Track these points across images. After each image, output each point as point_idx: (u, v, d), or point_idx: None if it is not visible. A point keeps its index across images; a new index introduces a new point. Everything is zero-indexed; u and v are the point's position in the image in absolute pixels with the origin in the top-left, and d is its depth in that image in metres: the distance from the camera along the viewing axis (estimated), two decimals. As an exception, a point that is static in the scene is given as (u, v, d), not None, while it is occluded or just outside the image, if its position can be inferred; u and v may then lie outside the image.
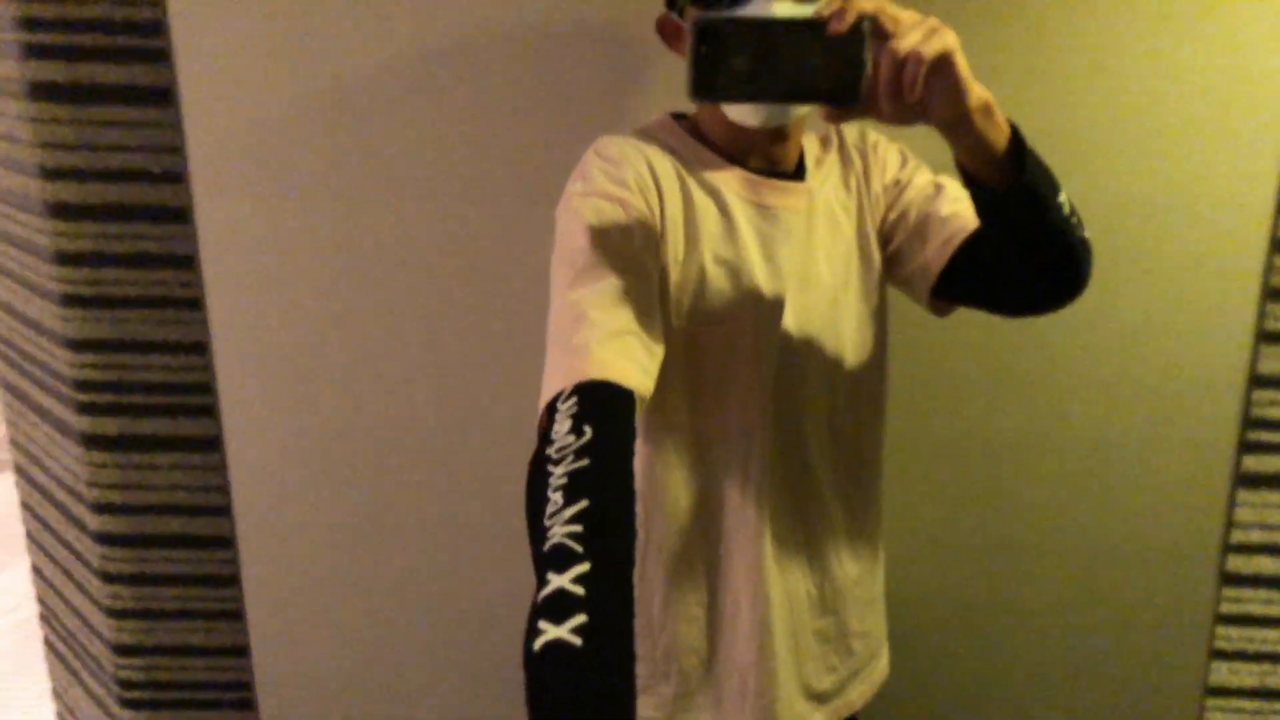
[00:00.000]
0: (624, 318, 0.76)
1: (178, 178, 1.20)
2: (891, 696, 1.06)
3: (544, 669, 0.54)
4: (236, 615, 1.39)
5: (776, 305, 0.88)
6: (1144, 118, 1.14)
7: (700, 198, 0.86)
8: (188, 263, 1.24)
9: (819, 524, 0.95)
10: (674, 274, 0.84)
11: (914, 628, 1.30)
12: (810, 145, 0.94)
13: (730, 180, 0.87)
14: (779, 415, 0.90)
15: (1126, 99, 1.14)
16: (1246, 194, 1.16)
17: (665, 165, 0.85)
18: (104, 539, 1.36)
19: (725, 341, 0.88)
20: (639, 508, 0.92)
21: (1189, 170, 1.16)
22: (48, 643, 1.63)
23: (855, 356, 0.94)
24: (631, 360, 0.74)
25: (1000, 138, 0.72)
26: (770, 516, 0.91)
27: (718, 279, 0.85)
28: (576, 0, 1.12)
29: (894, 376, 1.00)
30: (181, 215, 1.22)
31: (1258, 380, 1.21)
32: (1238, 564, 1.28)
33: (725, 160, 0.88)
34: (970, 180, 0.76)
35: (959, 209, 0.89)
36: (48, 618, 1.60)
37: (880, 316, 0.96)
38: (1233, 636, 1.30)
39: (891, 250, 0.94)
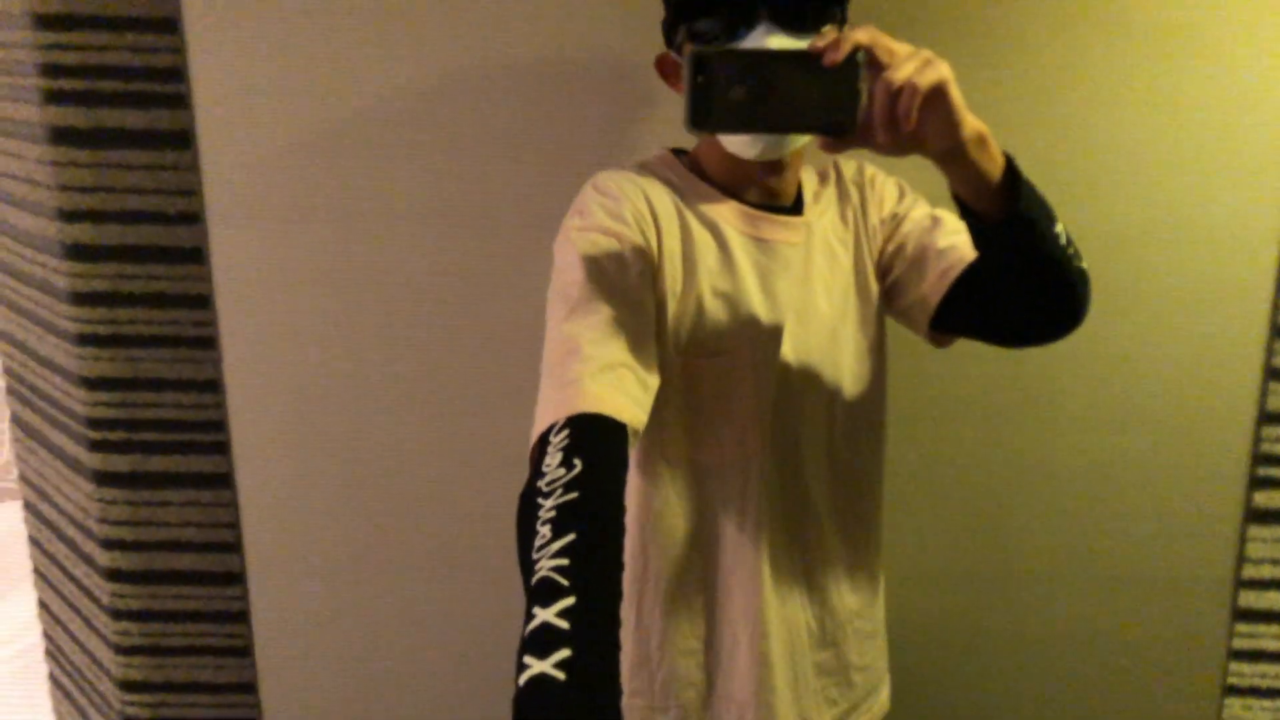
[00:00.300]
0: (617, 350, 0.76)
1: (194, 219, 1.22)
2: (897, 733, 1.06)
3: (528, 704, 0.54)
4: (245, 651, 1.38)
5: (774, 336, 0.88)
6: (1145, 149, 1.16)
7: (698, 231, 0.87)
8: (202, 302, 1.25)
9: (818, 556, 0.95)
10: (672, 306, 0.85)
11: (916, 660, 1.29)
12: (808, 179, 0.95)
13: (728, 214, 0.88)
14: (777, 446, 0.91)
15: (1127, 131, 1.15)
16: (1251, 231, 1.17)
17: (664, 199, 0.86)
18: (114, 575, 1.36)
19: (723, 372, 0.88)
20: (636, 540, 0.93)
21: (1193, 203, 1.17)
22: (53, 678, 1.62)
23: (854, 387, 0.94)
24: (624, 393, 0.75)
25: (995, 168, 0.73)
26: (769, 548, 0.91)
27: (716, 311, 0.86)
28: (580, 37, 1.15)
29: (896, 406, 1.00)
30: (197, 256, 1.23)
31: (1267, 416, 1.21)
32: (1250, 599, 1.27)
33: (723, 194, 0.89)
34: (966, 211, 0.77)
35: (956, 241, 0.90)
36: (53, 653, 1.60)
37: (879, 348, 0.97)
38: (1245, 672, 1.30)
39: (890, 282, 0.95)
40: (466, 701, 1.38)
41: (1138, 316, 1.21)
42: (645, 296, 0.81)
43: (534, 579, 0.60)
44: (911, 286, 0.93)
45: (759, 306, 0.87)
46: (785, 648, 0.94)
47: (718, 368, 0.88)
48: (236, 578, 1.36)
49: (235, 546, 1.34)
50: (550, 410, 0.73)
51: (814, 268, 0.91)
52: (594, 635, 0.58)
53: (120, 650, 1.38)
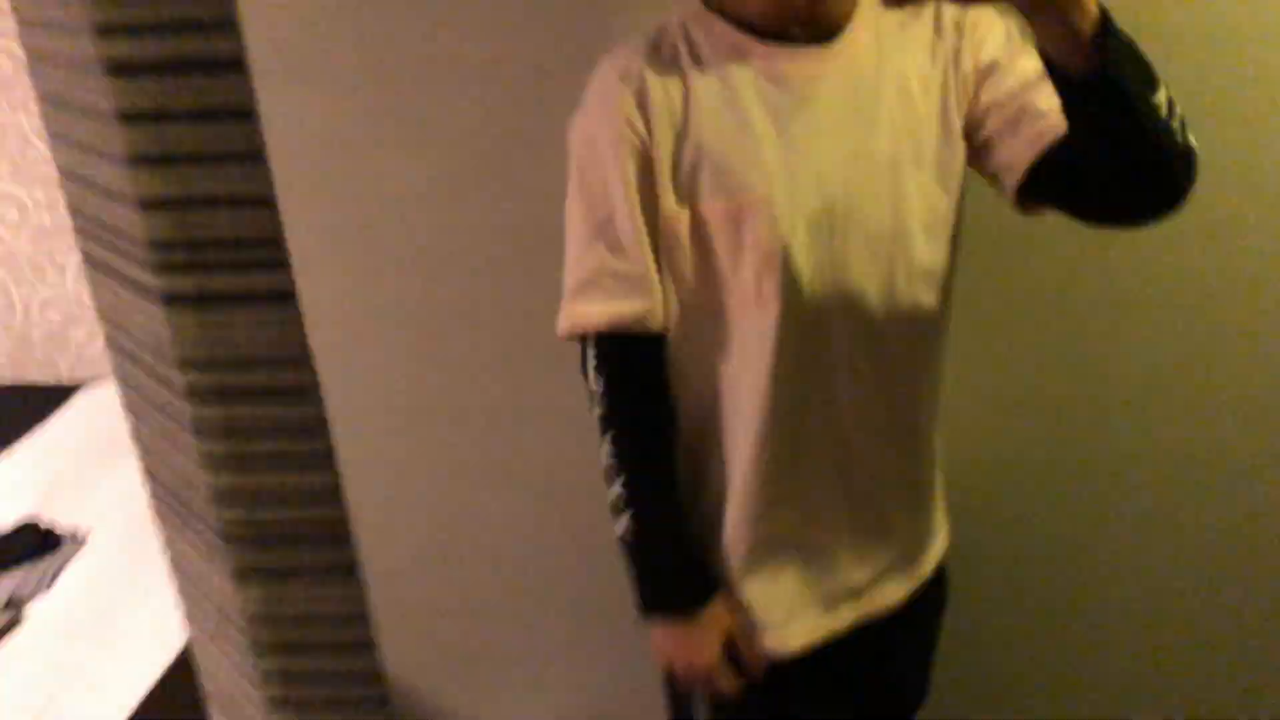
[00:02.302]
0: (638, 259, 0.89)
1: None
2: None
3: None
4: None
5: (788, 173, 0.87)
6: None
7: (703, 82, 0.87)
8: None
9: (852, 420, 0.96)
10: (670, 153, 0.87)
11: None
12: (893, 12, 0.87)
13: (740, 53, 0.87)
14: (804, 289, 0.89)
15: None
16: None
17: (661, 78, 0.88)
18: (192, 393, 1.43)
19: (732, 214, 0.88)
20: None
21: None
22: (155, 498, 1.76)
23: (921, 234, 0.91)
24: (643, 296, 0.90)
25: (1086, 21, 0.68)
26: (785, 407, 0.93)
27: (718, 151, 0.87)
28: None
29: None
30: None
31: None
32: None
33: (746, 34, 0.87)
34: (1051, 67, 0.73)
35: (1059, 103, 0.80)
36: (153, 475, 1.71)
37: (956, 199, 0.92)
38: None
39: (982, 139, 0.90)
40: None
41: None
42: (649, 196, 0.88)
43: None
44: (1003, 147, 0.87)
45: (767, 143, 0.86)
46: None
47: (727, 210, 0.88)
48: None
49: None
50: (576, 308, 0.94)
51: (882, 104, 0.88)
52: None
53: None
